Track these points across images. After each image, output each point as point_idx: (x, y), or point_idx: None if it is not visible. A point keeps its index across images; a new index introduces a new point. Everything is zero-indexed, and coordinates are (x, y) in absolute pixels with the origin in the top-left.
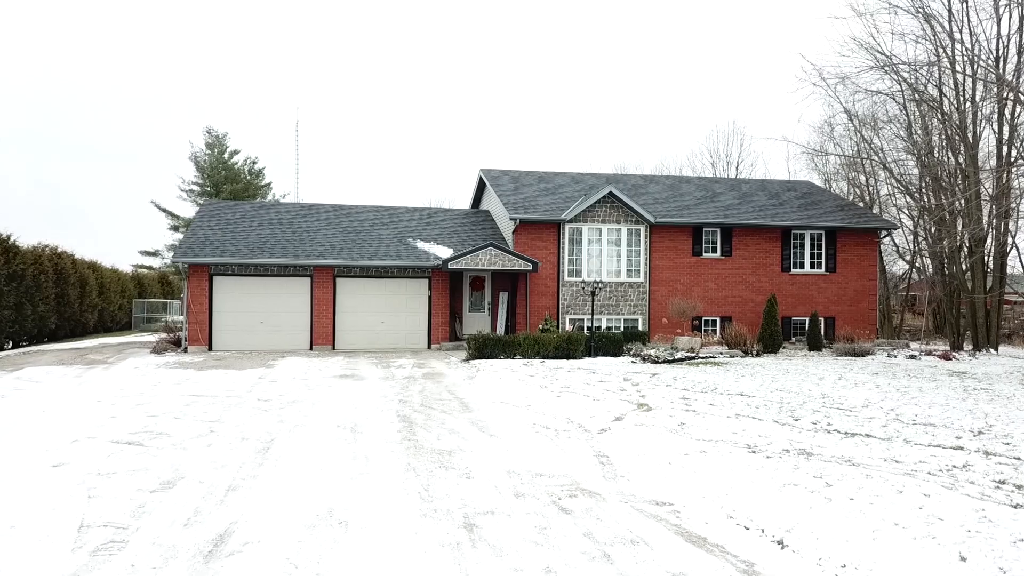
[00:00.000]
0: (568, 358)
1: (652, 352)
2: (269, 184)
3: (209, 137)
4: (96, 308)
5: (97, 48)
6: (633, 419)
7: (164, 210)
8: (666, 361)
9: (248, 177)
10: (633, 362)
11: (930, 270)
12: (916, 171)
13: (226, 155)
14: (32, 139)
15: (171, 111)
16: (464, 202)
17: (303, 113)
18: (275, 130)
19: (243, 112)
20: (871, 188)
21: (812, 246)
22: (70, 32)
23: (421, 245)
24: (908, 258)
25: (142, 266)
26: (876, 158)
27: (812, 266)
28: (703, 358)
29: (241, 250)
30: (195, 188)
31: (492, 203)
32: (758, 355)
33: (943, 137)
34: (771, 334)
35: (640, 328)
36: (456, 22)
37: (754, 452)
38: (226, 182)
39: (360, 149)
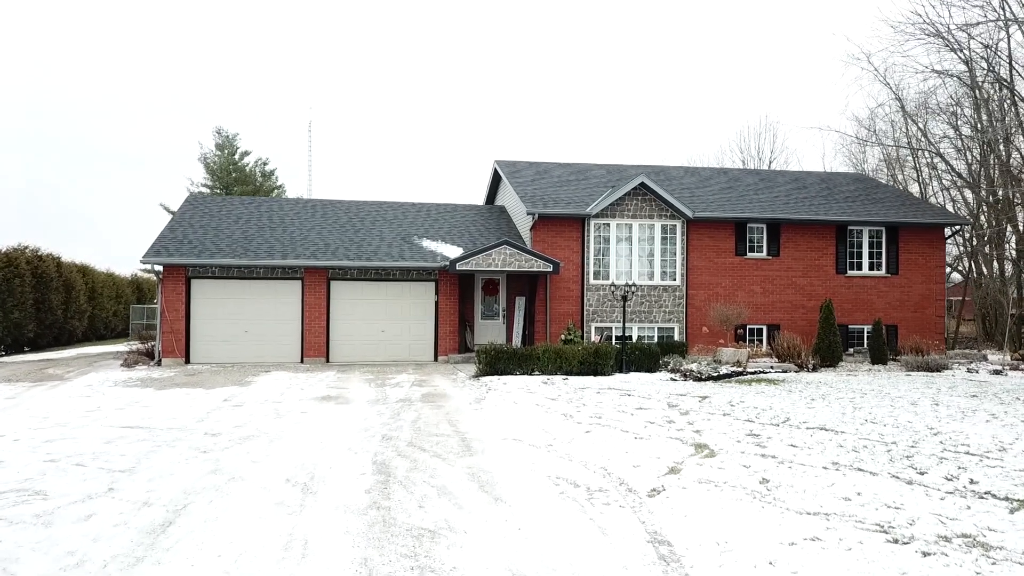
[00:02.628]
0: (595, 374)
1: (693, 367)
2: (282, 186)
3: (219, 137)
4: (85, 315)
5: (103, 51)
6: (694, 471)
7: (172, 212)
8: (711, 378)
9: (260, 179)
10: (673, 379)
11: (974, 273)
12: (969, 165)
13: (236, 156)
14: (34, 144)
15: (180, 114)
16: (478, 201)
17: (316, 113)
18: (287, 131)
19: (254, 113)
20: (921, 184)
21: (871, 244)
22: (75, 34)
23: (427, 244)
24: (962, 259)
25: (148, 270)
26: (931, 148)
27: (871, 267)
28: (752, 374)
29: (223, 249)
30: (204, 190)
31: (507, 198)
32: (814, 370)
33: (1005, 122)
34: (829, 345)
35: (677, 338)
36: (472, 18)
37: (895, 540)
38: (236, 184)
39: (374, 149)
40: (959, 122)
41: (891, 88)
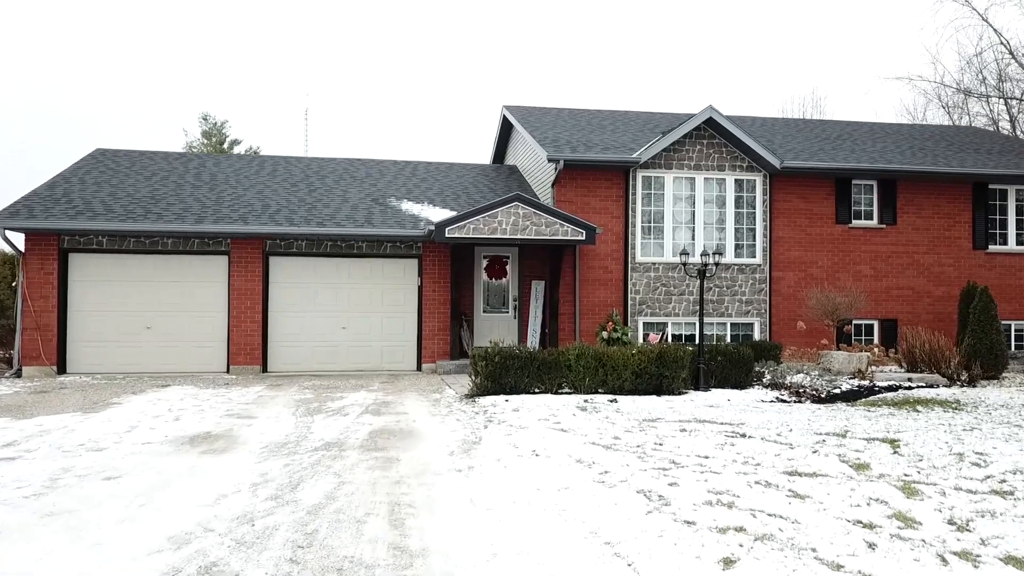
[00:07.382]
0: (659, 392)
1: (801, 379)
2: None
3: (205, 124)
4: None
5: (97, 45)
6: None
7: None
8: (832, 397)
9: None
10: (781, 399)
11: None
12: None
13: (225, 144)
14: (27, 140)
15: (167, 105)
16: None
17: (312, 100)
18: (282, 119)
19: (246, 103)
20: None
21: (1019, 211)
22: (71, 32)
23: (408, 207)
24: None
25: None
26: None
27: (1020, 241)
28: (889, 389)
29: (115, 211)
30: None
31: (520, 152)
32: (971, 383)
33: None
34: (990, 347)
35: (757, 336)
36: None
37: None
38: None
39: (376, 138)
40: None
41: (995, 29)
